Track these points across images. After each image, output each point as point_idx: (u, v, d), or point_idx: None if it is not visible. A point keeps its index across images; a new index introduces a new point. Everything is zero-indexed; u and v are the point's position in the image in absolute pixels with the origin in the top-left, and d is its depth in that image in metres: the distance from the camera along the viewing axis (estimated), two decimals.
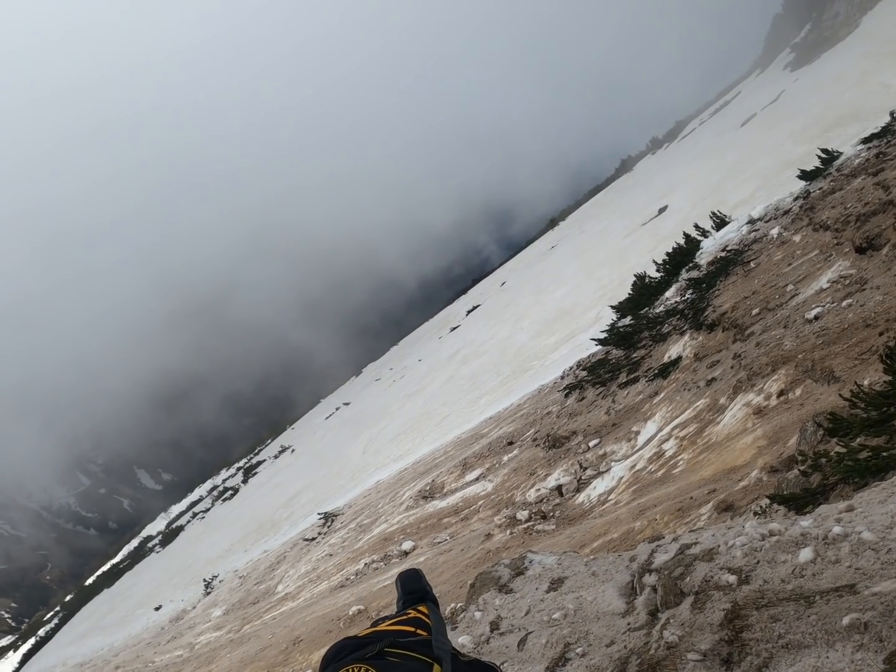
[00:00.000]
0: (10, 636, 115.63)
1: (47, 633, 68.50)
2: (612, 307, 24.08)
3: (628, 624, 4.69)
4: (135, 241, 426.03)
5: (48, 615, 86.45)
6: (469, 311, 69.24)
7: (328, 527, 27.67)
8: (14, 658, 73.21)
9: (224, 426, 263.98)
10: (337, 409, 71.09)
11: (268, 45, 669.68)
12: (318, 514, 30.13)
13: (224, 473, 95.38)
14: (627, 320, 21.88)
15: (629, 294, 23.37)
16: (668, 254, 22.94)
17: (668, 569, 4.69)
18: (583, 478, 14.33)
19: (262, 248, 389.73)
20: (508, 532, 13.75)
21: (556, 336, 35.14)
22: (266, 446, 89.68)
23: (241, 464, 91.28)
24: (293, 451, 67.06)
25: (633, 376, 17.12)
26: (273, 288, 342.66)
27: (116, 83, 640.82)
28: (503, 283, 72.02)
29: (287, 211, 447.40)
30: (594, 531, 10.84)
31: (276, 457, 72.09)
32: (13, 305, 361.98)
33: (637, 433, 14.13)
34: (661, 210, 45.80)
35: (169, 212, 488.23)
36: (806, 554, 3.93)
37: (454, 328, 65.33)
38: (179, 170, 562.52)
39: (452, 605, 10.77)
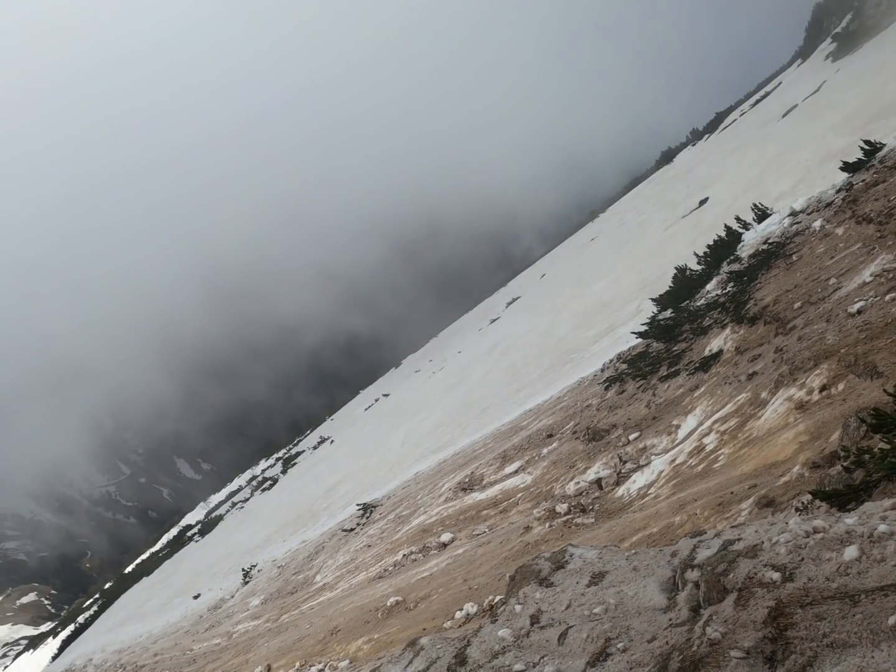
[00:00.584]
0: (49, 622, 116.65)
1: (86, 619, 68.94)
2: (653, 300, 23.96)
3: (670, 620, 4.68)
4: (172, 226, 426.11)
5: (87, 602, 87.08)
6: (509, 304, 69.16)
7: (367, 518, 27.71)
8: (53, 644, 73.81)
9: (264, 417, 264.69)
10: (376, 400, 71.18)
11: (304, 22, 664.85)
12: (357, 504, 30.17)
13: (263, 464, 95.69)
14: (668, 313, 21.79)
15: (670, 287, 23.27)
16: (708, 246, 22.82)
17: (711, 564, 4.67)
18: (622, 471, 14.29)
19: (309, 229, 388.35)
20: (547, 525, 13.73)
21: (595, 328, 35.05)
22: (305, 437, 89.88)
23: (280, 454, 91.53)
24: (332, 442, 67.17)
25: (673, 369, 17.05)
26: (316, 270, 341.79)
27: (148, 62, 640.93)
28: (543, 275, 71.90)
29: (332, 189, 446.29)
30: (634, 525, 10.81)
31: (315, 447, 72.22)
32: (56, 293, 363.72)
33: (677, 427, 14.07)
34: (702, 202, 45.52)
35: (208, 193, 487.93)
36: (851, 552, 3.90)
37: (494, 320, 65.29)
38: (219, 151, 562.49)
39: (491, 597, 10.80)
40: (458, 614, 11.38)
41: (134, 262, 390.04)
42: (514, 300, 67.99)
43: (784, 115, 53.73)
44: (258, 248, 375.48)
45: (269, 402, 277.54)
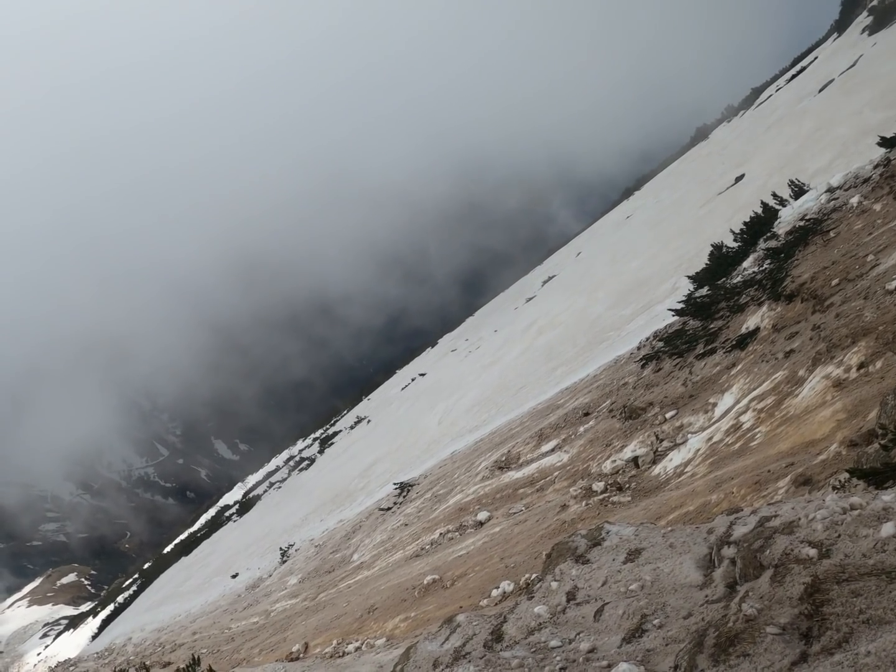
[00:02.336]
0: (89, 603, 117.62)
1: (125, 599, 69.54)
2: (689, 277, 23.86)
3: (706, 596, 4.68)
4: (206, 207, 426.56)
5: (126, 582, 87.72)
6: (544, 282, 69.00)
7: (404, 497, 27.79)
8: (93, 623, 74.40)
9: (302, 397, 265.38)
10: (413, 379, 71.22)
11: None
12: (394, 484, 30.28)
13: (300, 444, 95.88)
14: (704, 291, 21.70)
15: (706, 264, 23.16)
16: (745, 223, 22.70)
17: (748, 541, 4.67)
18: (659, 449, 14.26)
19: (345, 196, 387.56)
20: (584, 503, 13.73)
21: (632, 307, 34.96)
22: (342, 417, 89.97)
23: (317, 434, 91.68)
24: (369, 421, 67.27)
25: (710, 347, 16.99)
26: (357, 245, 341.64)
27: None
28: (579, 254, 71.69)
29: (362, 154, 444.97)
30: (670, 503, 10.79)
31: (352, 427, 72.32)
32: (94, 277, 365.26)
33: (714, 405, 14.02)
34: (738, 179, 45.24)
35: (236, 159, 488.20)
36: (888, 528, 3.89)
37: (530, 299, 65.15)
38: (246, 112, 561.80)
39: (527, 575, 10.82)
40: (495, 592, 11.41)
41: (170, 244, 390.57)
42: (550, 279, 67.82)
43: (820, 91, 53.26)
44: (294, 226, 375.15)
45: (307, 383, 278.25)
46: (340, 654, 14.17)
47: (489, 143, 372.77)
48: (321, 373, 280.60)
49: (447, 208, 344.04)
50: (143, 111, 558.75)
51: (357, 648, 13.82)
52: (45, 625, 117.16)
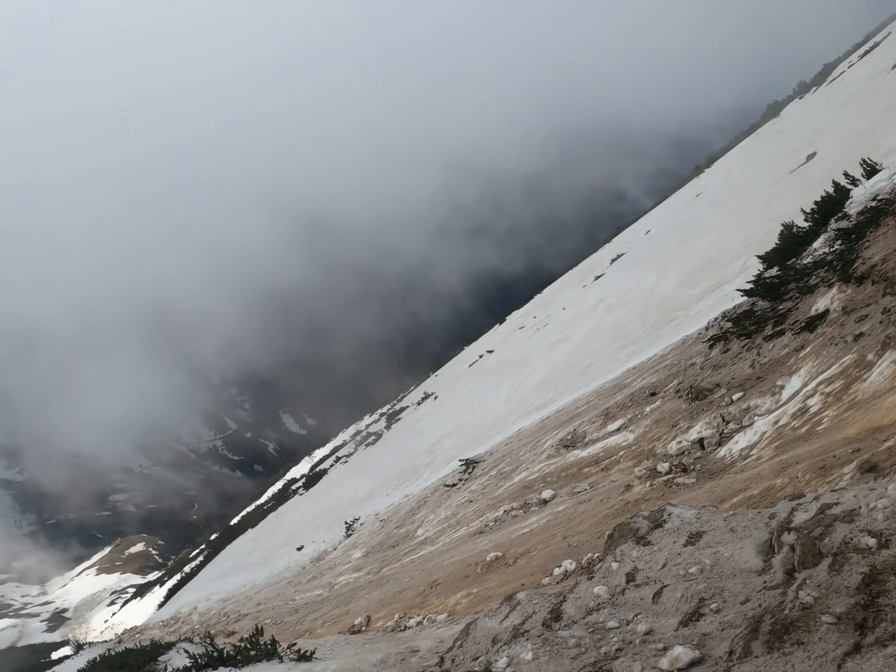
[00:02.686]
0: (156, 572, 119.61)
1: (192, 569, 70.47)
2: (759, 257, 23.60)
3: (764, 582, 4.68)
4: (275, 179, 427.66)
5: (193, 553, 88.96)
6: (613, 260, 68.61)
7: (469, 473, 27.84)
8: (160, 592, 75.63)
9: (370, 372, 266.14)
10: (480, 356, 71.19)
11: None
12: (460, 460, 30.31)
13: (367, 419, 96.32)
14: (774, 271, 21.47)
15: (776, 244, 22.91)
16: (816, 203, 22.41)
17: (808, 528, 4.66)
18: (725, 431, 14.19)
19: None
20: (648, 484, 13.70)
21: (700, 286, 34.71)
22: (409, 393, 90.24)
23: (384, 409, 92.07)
24: (436, 398, 67.37)
25: (778, 329, 16.84)
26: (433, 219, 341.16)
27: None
28: (648, 231, 71.18)
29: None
30: (734, 486, 10.74)
31: (419, 403, 72.49)
32: (167, 249, 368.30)
33: (781, 388, 13.91)
34: (810, 157, 44.63)
35: (292, 118, 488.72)
36: None
37: (598, 276, 64.84)
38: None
39: (589, 555, 10.83)
40: (557, 571, 11.43)
41: (240, 215, 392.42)
42: (619, 256, 67.40)
43: (894, 67, 52.40)
44: (361, 188, 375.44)
45: (376, 358, 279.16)
46: (402, 628, 14.28)
47: (562, 118, 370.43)
48: (391, 347, 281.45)
49: (522, 178, 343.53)
50: (199, 67, 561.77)
51: (418, 623, 13.91)
52: (112, 593, 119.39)
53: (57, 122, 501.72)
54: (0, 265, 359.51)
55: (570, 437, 21.81)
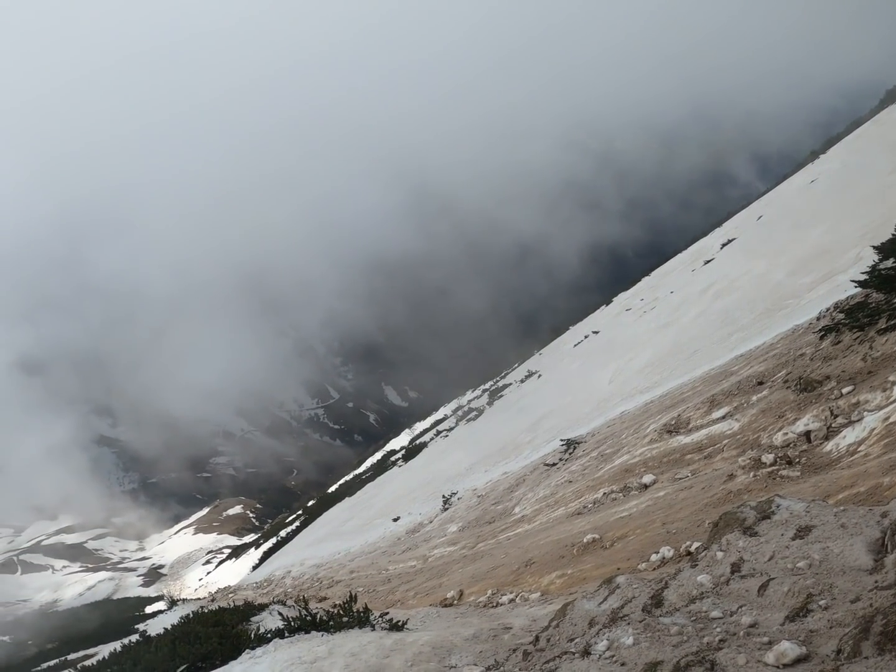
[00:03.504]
0: (252, 534, 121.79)
1: (288, 534, 71.44)
2: (874, 248, 23.12)
3: (875, 582, 4.57)
4: (383, 147, 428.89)
5: (290, 518, 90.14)
6: (724, 244, 67.76)
7: (570, 453, 27.74)
8: (255, 555, 76.92)
9: (475, 347, 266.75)
10: (586, 336, 70.88)
11: None
12: (561, 440, 30.21)
13: (469, 394, 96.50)
14: (890, 262, 21.03)
15: (892, 234, 22.44)
16: None
17: None
18: (832, 425, 13.92)
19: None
20: (752, 474, 13.50)
21: (812, 275, 34.11)
22: (513, 370, 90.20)
23: (486, 385, 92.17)
24: (540, 376, 67.25)
25: (892, 322, 16.48)
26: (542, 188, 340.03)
27: None
28: (760, 217, 70.15)
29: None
30: (840, 482, 10.54)
31: (522, 381, 72.39)
32: (276, 220, 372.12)
33: (893, 383, 13.62)
34: None
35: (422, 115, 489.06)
36: None
37: (708, 261, 64.08)
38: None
39: (688, 543, 10.71)
40: (654, 557, 11.34)
41: (348, 185, 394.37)
42: (730, 241, 66.51)
43: None
44: (471, 159, 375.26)
45: (482, 333, 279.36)
46: (494, 604, 14.29)
47: (679, 99, 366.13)
48: (498, 323, 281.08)
49: (636, 156, 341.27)
50: (310, 38, 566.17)
51: (511, 600, 13.91)
52: (208, 552, 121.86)
53: (170, 90, 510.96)
54: (102, 228, 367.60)
55: (673, 422, 21.62)
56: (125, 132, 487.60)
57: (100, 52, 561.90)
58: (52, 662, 38.86)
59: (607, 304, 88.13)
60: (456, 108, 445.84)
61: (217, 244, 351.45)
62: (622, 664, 4.98)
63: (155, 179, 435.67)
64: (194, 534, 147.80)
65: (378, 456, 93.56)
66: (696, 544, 10.39)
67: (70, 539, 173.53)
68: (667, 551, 11.25)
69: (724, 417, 18.97)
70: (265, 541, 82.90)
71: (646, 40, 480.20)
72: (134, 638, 28.19)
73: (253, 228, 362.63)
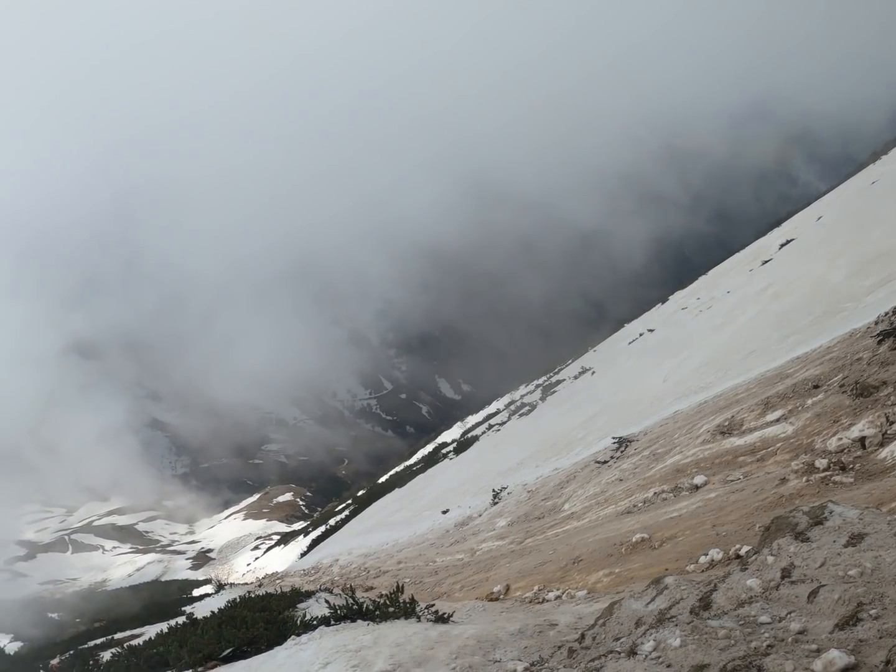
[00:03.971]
0: (301, 522, 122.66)
1: (337, 522, 71.89)
2: None
3: None
4: (439, 138, 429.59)
5: (339, 507, 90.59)
6: (782, 245, 67.22)
7: (621, 451, 27.65)
8: (303, 542, 77.55)
9: (528, 341, 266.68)
10: (640, 335, 70.62)
11: None
12: (613, 438, 30.12)
13: (522, 389, 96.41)
14: None
15: None
16: None
17: None
18: (888, 432, 13.78)
19: None
20: (804, 479, 13.39)
21: (872, 278, 33.73)
22: (567, 366, 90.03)
23: (539, 381, 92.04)
24: (594, 373, 67.06)
25: None
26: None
27: None
28: (819, 218, 69.55)
29: None
30: (894, 490, 10.45)
31: (575, 377, 72.24)
32: (329, 210, 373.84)
33: None
34: None
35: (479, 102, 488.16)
36: None
37: (766, 262, 63.63)
38: None
39: (737, 546, 10.66)
40: (703, 559, 11.28)
41: (400, 176, 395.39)
42: (788, 242, 65.96)
43: None
44: (529, 151, 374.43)
45: (536, 327, 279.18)
46: (540, 600, 14.30)
47: (739, 100, 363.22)
48: (553, 318, 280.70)
49: (697, 154, 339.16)
50: (362, 29, 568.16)
51: (557, 597, 13.91)
52: (257, 538, 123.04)
53: (229, 80, 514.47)
54: (158, 215, 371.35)
55: (727, 423, 21.50)
56: (184, 120, 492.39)
57: (162, 41, 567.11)
58: (98, 641, 39.26)
59: (663, 303, 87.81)
60: (514, 98, 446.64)
61: (272, 233, 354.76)
62: (668, 665, 4.96)
63: (212, 168, 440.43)
64: (244, 519, 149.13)
65: (429, 448, 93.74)
66: (745, 548, 10.33)
67: (121, 520, 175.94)
68: (716, 554, 11.19)
69: (778, 420, 18.83)
70: (314, 529, 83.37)
71: (708, 35, 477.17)
72: (180, 620, 28.47)
73: (308, 218, 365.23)
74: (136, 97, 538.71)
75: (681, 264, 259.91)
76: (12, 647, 65.20)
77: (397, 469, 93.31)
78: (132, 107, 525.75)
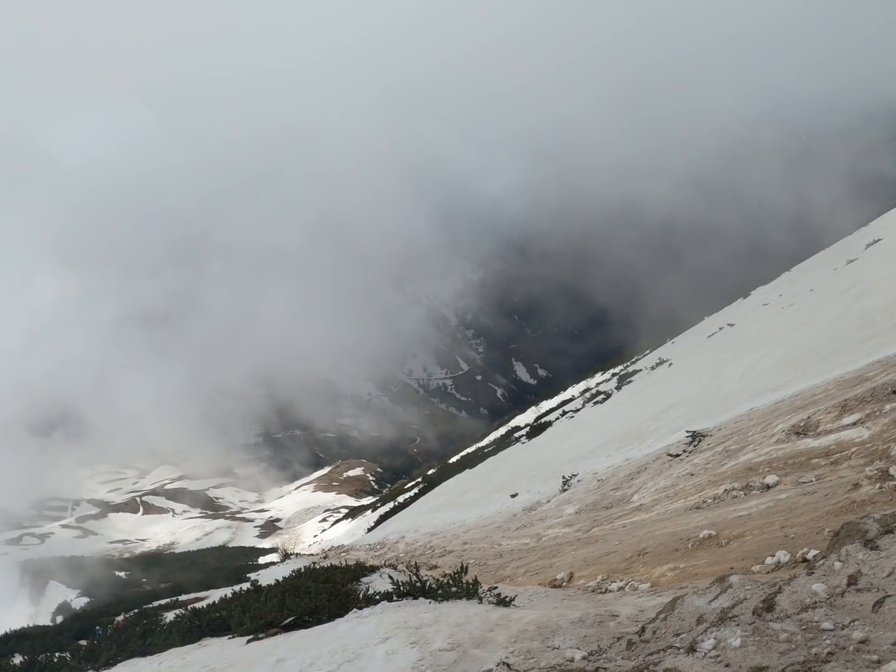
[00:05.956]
0: (370, 497, 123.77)
1: (405, 500, 72.29)
2: None
3: None
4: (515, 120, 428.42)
5: (409, 484, 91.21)
6: (869, 245, 66.26)
7: (694, 446, 27.45)
8: (371, 517, 78.06)
9: (608, 329, 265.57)
10: (720, 328, 70.00)
11: None
12: (687, 431, 29.91)
13: (598, 377, 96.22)
14: None
15: None
16: None
17: None
18: None
19: None
20: (878, 486, 13.20)
21: None
22: (644, 356, 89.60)
23: (617, 370, 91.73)
24: (670, 364, 66.63)
25: None
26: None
27: None
28: None
29: None
30: None
31: (652, 368, 71.79)
32: (407, 198, 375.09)
33: None
34: None
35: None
36: None
37: (851, 261, 62.74)
38: None
39: (805, 549, 10.55)
40: (769, 560, 11.20)
41: (483, 160, 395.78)
42: (875, 242, 64.99)
43: None
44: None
45: (615, 317, 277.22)
46: (603, 590, 14.30)
47: (815, 94, 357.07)
48: (633, 306, 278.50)
49: (781, 146, 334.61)
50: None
51: (620, 588, 13.90)
52: (325, 510, 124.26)
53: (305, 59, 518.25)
54: (231, 188, 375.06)
55: (802, 424, 21.25)
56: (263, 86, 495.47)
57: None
58: (163, 601, 39.95)
59: (745, 297, 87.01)
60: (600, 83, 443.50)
61: (351, 211, 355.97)
62: (726, 665, 4.93)
63: (290, 147, 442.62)
64: (313, 491, 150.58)
65: (502, 431, 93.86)
66: (813, 552, 10.23)
67: (192, 486, 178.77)
68: (783, 555, 11.10)
69: (854, 424, 18.58)
70: (382, 504, 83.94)
71: (805, 32, 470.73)
72: (245, 586, 28.86)
73: (389, 201, 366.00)
74: (212, 72, 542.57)
75: (760, 263, 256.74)
76: (79, 602, 66.57)
77: (469, 450, 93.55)
78: (211, 79, 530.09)
